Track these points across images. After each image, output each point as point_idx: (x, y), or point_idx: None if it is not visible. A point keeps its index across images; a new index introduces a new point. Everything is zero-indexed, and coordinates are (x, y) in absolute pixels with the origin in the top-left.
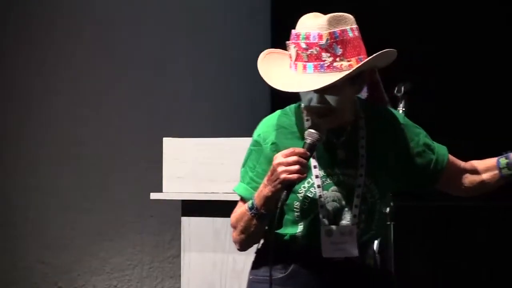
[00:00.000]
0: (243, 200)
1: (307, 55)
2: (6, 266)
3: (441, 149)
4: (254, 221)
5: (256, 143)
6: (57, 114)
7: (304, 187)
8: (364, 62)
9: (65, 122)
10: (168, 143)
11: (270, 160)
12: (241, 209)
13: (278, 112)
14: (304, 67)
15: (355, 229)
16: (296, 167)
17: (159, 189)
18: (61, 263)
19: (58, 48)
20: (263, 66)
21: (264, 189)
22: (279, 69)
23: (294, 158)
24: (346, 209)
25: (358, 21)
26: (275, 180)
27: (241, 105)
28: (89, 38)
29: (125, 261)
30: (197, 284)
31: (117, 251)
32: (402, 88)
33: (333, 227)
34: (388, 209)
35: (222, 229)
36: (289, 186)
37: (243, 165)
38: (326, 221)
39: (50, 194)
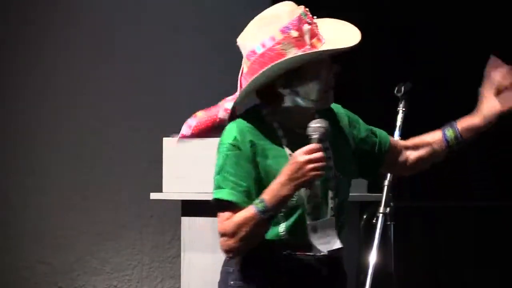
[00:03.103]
0: (232, 206)
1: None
2: (6, 266)
3: (382, 132)
4: (264, 224)
5: (232, 147)
6: (57, 114)
7: None
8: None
9: (65, 122)
10: (168, 143)
11: (250, 161)
12: (242, 215)
13: (239, 119)
14: (319, 40)
15: (334, 221)
16: (322, 163)
17: (159, 189)
18: (61, 263)
19: (57, 47)
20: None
21: (282, 188)
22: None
23: (319, 154)
24: (324, 202)
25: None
26: (301, 178)
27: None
28: (89, 37)
29: (125, 261)
30: (197, 284)
31: (117, 251)
32: (402, 88)
33: (317, 222)
34: (388, 209)
35: None
36: (311, 183)
37: (218, 173)
38: (310, 217)
39: (50, 194)
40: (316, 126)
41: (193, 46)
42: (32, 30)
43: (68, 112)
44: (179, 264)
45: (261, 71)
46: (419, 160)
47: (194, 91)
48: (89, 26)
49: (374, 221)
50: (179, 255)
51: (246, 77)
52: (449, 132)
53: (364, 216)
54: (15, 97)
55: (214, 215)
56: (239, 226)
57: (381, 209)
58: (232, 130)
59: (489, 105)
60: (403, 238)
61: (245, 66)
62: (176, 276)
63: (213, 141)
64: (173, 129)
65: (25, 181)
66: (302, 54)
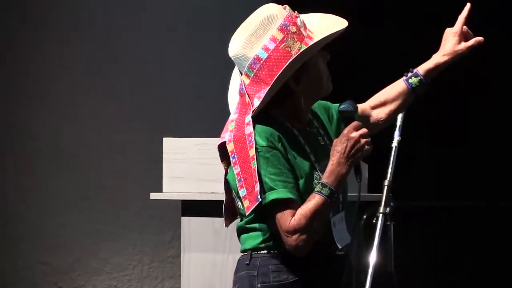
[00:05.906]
0: (289, 203)
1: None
2: (6, 266)
3: None
4: (330, 208)
5: (269, 149)
6: (57, 114)
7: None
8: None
9: (65, 122)
10: (168, 143)
11: (286, 157)
12: (310, 207)
13: (257, 125)
14: (310, 31)
15: (344, 215)
16: (369, 137)
17: (159, 189)
18: (61, 263)
19: (58, 47)
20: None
21: (341, 167)
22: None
23: (365, 129)
24: (336, 196)
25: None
26: (358, 153)
27: None
28: (89, 37)
29: (125, 261)
30: (197, 284)
31: (117, 251)
32: None
33: (335, 217)
34: (388, 209)
35: (222, 229)
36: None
37: (265, 177)
38: (331, 213)
39: (49, 194)
40: (352, 104)
41: (193, 46)
42: (32, 30)
43: (68, 112)
44: (179, 264)
45: (280, 72)
46: (390, 115)
47: (194, 91)
48: (89, 26)
49: (374, 221)
50: (179, 255)
51: (255, 86)
52: (412, 80)
53: (364, 216)
54: (15, 97)
55: (214, 215)
56: (312, 218)
57: (381, 209)
58: (261, 134)
59: (451, 42)
60: (403, 238)
61: (245, 78)
62: (176, 276)
63: (213, 141)
64: (173, 129)
65: (25, 181)
66: (315, 43)
